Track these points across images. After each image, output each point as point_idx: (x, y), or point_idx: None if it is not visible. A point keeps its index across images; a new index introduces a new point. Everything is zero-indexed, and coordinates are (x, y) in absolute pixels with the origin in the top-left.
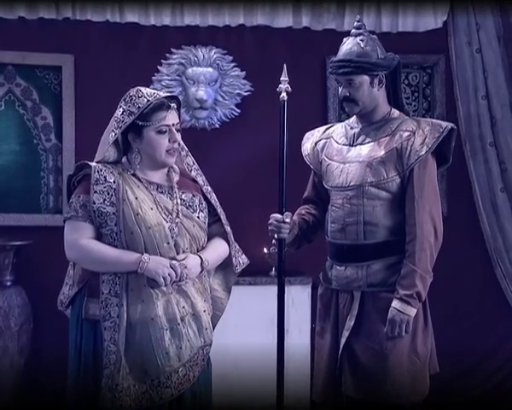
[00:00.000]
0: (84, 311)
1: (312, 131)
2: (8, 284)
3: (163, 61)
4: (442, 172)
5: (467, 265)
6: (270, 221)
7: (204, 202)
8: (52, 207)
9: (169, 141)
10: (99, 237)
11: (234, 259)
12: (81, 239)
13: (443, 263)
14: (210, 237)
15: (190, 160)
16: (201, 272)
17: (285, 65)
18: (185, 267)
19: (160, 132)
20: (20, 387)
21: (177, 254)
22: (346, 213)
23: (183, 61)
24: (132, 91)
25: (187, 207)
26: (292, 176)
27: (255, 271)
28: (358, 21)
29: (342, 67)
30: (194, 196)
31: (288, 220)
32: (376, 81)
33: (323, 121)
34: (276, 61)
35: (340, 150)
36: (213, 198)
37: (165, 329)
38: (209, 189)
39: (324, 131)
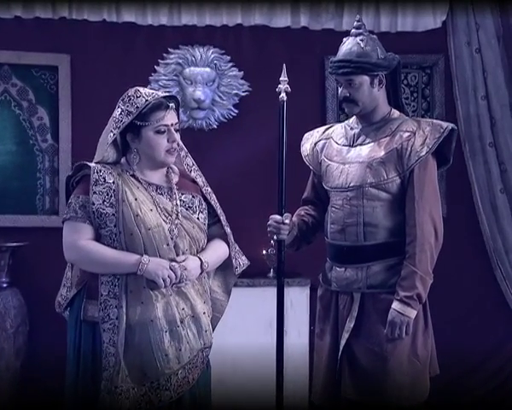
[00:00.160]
0: (83, 313)
1: (312, 132)
2: (4, 285)
3: (160, 60)
4: (441, 173)
5: (466, 266)
6: (269, 222)
7: (204, 203)
8: (48, 209)
9: (168, 141)
10: (98, 238)
11: (234, 260)
12: (80, 240)
13: (442, 265)
14: (210, 239)
15: (190, 160)
16: (201, 273)
17: (284, 65)
18: (185, 269)
19: (159, 132)
20: (17, 389)
21: (177, 255)
22: (346, 214)
23: (180, 60)
24: (131, 91)
25: (186, 209)
26: (291, 177)
27: (253, 272)
28: (358, 21)
29: (342, 68)
30: (193, 197)
31: (287, 221)
32: (376, 81)
33: (322, 122)
34: (275, 61)
35: (340, 151)
36: (213, 199)
37: (164, 331)
38: (209, 190)
39: (324, 132)
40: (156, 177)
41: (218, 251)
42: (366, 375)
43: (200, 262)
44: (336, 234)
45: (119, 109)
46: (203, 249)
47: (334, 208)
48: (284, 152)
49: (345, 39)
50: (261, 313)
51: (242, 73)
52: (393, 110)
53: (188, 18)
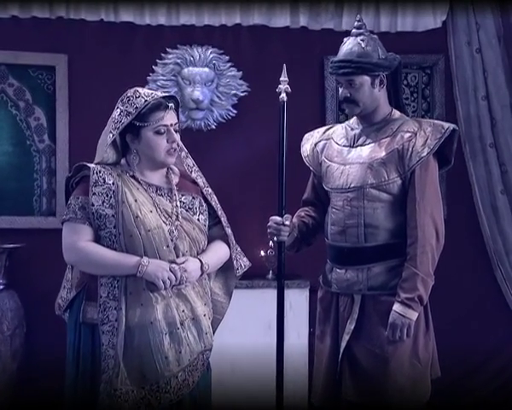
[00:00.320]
0: (82, 315)
1: (312, 132)
2: (1, 287)
3: (158, 60)
4: (442, 174)
5: (467, 267)
6: (269, 224)
7: (204, 205)
8: (45, 210)
9: (167, 141)
10: (98, 239)
11: (235, 262)
12: (79, 241)
13: (442, 266)
14: (210, 240)
15: (190, 161)
16: (201, 275)
17: (285, 65)
18: (185, 271)
19: (158, 133)
20: (13, 392)
21: (177, 257)
22: (347, 215)
23: (178, 60)
24: (130, 92)
25: (187, 210)
26: (291, 177)
27: (252, 274)
28: (359, 21)
29: (343, 68)
30: (193, 198)
31: (287, 223)
32: (377, 82)
33: (321, 122)
34: (274, 62)
35: (341, 152)
36: (214, 200)
37: (164, 333)
38: (210, 190)
39: (324, 132)
40: (156, 178)
41: (218, 252)
42: (367, 377)
43: (200, 264)
44: (337, 235)
45: (118, 110)
46: (203, 251)
47: (334, 209)
48: (284, 153)
49: (345, 39)
50: (260, 315)
51: (241, 73)
52: (394, 111)
53: (186, 18)
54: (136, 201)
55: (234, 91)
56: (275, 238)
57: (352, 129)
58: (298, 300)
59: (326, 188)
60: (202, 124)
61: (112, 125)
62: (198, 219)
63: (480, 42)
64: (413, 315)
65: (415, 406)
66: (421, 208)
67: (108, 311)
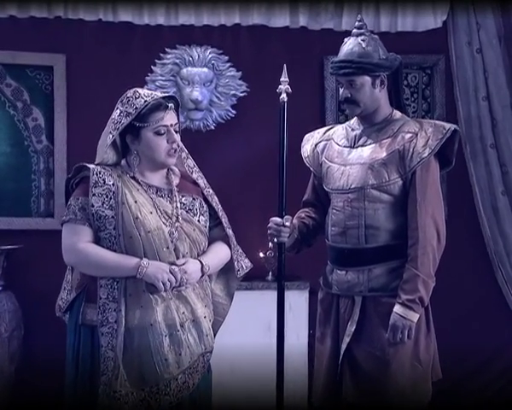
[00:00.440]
0: (82, 316)
1: (312, 133)
2: None
3: (157, 61)
4: (442, 175)
5: (467, 269)
6: (269, 225)
7: (205, 206)
8: (43, 211)
9: (167, 142)
10: (97, 240)
11: (236, 263)
12: (79, 243)
13: (443, 267)
14: (211, 241)
15: (191, 162)
16: (202, 277)
17: (285, 65)
18: (185, 272)
19: (158, 133)
20: (11, 394)
21: (177, 258)
22: (347, 216)
23: (177, 61)
24: (129, 93)
25: (187, 211)
26: (290, 178)
27: (252, 275)
28: (360, 21)
29: (343, 68)
30: (194, 199)
31: (287, 224)
32: (378, 82)
33: (321, 123)
34: (273, 62)
35: (341, 152)
36: (215, 201)
37: (164, 335)
38: (210, 191)
39: (324, 133)
40: (156, 179)
41: (219, 254)
42: (367, 379)
43: (200, 265)
44: (337, 236)
45: (118, 111)
46: (204, 252)
47: (334, 210)
48: (285, 153)
49: (346, 39)
50: (259, 317)
51: (240, 73)
52: (395, 111)
53: (185, 17)
54: (136, 202)
55: (233, 92)
56: (275, 239)
57: (353, 129)
58: (297, 301)
59: (326, 189)
60: (201, 124)
61: (111, 126)
62: (198, 221)
63: (480, 42)
64: (414, 317)
65: (415, 408)
66: (422, 209)
67: (108, 313)
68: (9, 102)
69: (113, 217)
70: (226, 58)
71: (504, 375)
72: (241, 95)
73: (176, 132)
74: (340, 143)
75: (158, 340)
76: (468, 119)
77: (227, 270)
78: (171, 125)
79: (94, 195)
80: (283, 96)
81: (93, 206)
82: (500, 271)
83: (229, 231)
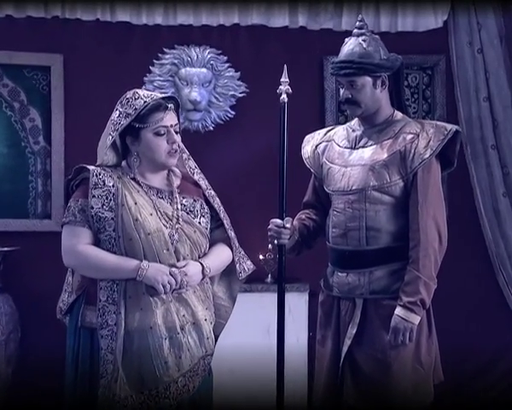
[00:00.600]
0: (81, 318)
1: (312, 134)
2: None
3: (155, 61)
4: (442, 177)
5: (468, 271)
6: (269, 227)
7: (206, 207)
8: (40, 212)
9: (167, 142)
10: (97, 242)
11: (238, 265)
12: (79, 245)
13: (443, 269)
14: (213, 243)
15: (192, 163)
16: (203, 279)
17: (285, 66)
18: (185, 275)
19: (158, 134)
20: (8, 396)
21: (178, 260)
22: (348, 217)
23: (175, 61)
24: (129, 94)
25: (187, 213)
26: (290, 179)
27: (251, 278)
28: (360, 21)
29: (344, 69)
30: (195, 200)
31: (288, 226)
32: (379, 82)
33: (321, 124)
34: (272, 62)
35: (342, 153)
36: (216, 202)
37: (164, 338)
38: (212, 193)
39: (325, 134)
40: (157, 180)
41: (220, 256)
42: (368, 382)
43: (201, 267)
44: (338, 238)
45: (118, 112)
46: (205, 254)
47: (335, 212)
48: (285, 155)
49: (347, 40)
50: (259, 319)
51: (239, 73)
52: (396, 112)
53: (183, 17)
54: (135, 204)
55: (232, 92)
56: (275, 241)
57: (354, 130)
58: (297, 304)
59: (327, 190)
60: (200, 125)
61: (111, 127)
62: (199, 222)
63: (481, 42)
64: (415, 319)
65: None
66: (423, 211)
67: (107, 315)
68: (6, 102)
69: (112, 219)
70: (225, 58)
71: (506, 377)
72: (240, 95)
73: (176, 133)
74: (340, 144)
75: (158, 343)
76: (468, 119)
77: (229, 272)
78: (171, 125)
79: (93, 196)
80: (284, 96)
81: (92, 208)
82: (501, 273)
83: (231, 233)
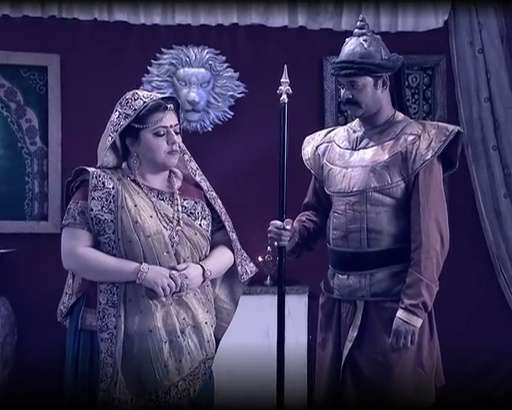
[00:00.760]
0: (81, 321)
1: (313, 135)
2: None
3: (153, 61)
4: (444, 178)
5: (469, 273)
6: (269, 228)
7: (207, 209)
8: (37, 214)
9: (167, 143)
10: (97, 245)
11: (240, 267)
12: (78, 247)
13: (444, 271)
14: (214, 246)
15: (194, 164)
16: (204, 281)
17: (286, 66)
18: (186, 277)
19: (158, 134)
20: (4, 399)
21: (178, 263)
22: (349, 219)
23: (174, 61)
24: (128, 94)
25: (188, 215)
26: (291, 181)
27: (250, 280)
28: (361, 21)
29: (345, 69)
30: (196, 202)
31: (288, 227)
32: (380, 83)
33: (320, 124)
34: (271, 62)
35: (343, 154)
36: (218, 204)
37: (163, 341)
38: (214, 194)
39: (325, 135)
40: (158, 182)
41: (222, 258)
42: (370, 385)
43: (202, 270)
44: (339, 240)
45: (117, 113)
46: (206, 257)
47: (336, 214)
48: (285, 156)
49: (347, 39)
50: (258, 322)
51: (238, 74)
52: (397, 113)
53: (182, 17)
54: (135, 206)
55: (231, 93)
56: (275, 243)
57: (355, 131)
58: (297, 306)
59: (328, 192)
60: (198, 126)
61: (110, 129)
62: (200, 225)
63: (482, 42)
64: (417, 322)
65: None
66: (425, 212)
67: (107, 318)
68: (2, 102)
69: (112, 221)
70: (224, 58)
71: (508, 378)
72: (239, 96)
73: (176, 134)
74: (341, 146)
75: (157, 346)
76: (469, 120)
77: (231, 275)
78: (171, 126)
79: (93, 198)
80: (284, 97)
81: (92, 210)
82: (502, 274)
83: (233, 235)
